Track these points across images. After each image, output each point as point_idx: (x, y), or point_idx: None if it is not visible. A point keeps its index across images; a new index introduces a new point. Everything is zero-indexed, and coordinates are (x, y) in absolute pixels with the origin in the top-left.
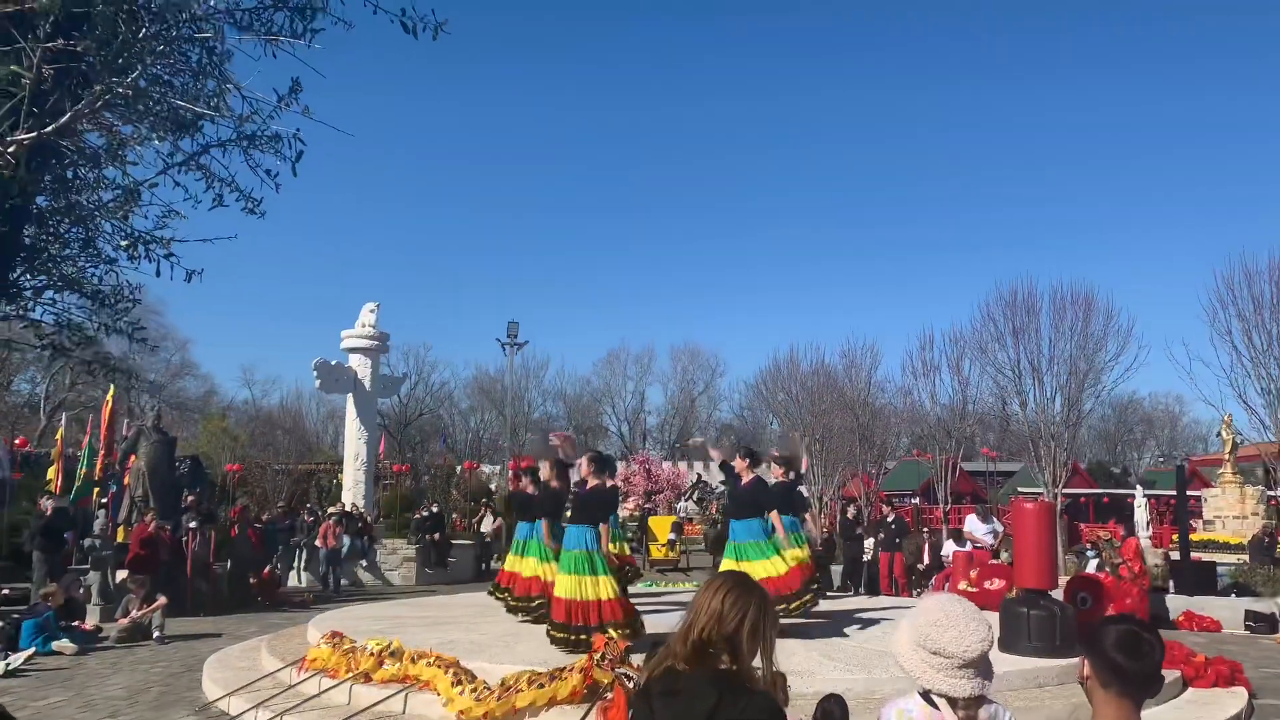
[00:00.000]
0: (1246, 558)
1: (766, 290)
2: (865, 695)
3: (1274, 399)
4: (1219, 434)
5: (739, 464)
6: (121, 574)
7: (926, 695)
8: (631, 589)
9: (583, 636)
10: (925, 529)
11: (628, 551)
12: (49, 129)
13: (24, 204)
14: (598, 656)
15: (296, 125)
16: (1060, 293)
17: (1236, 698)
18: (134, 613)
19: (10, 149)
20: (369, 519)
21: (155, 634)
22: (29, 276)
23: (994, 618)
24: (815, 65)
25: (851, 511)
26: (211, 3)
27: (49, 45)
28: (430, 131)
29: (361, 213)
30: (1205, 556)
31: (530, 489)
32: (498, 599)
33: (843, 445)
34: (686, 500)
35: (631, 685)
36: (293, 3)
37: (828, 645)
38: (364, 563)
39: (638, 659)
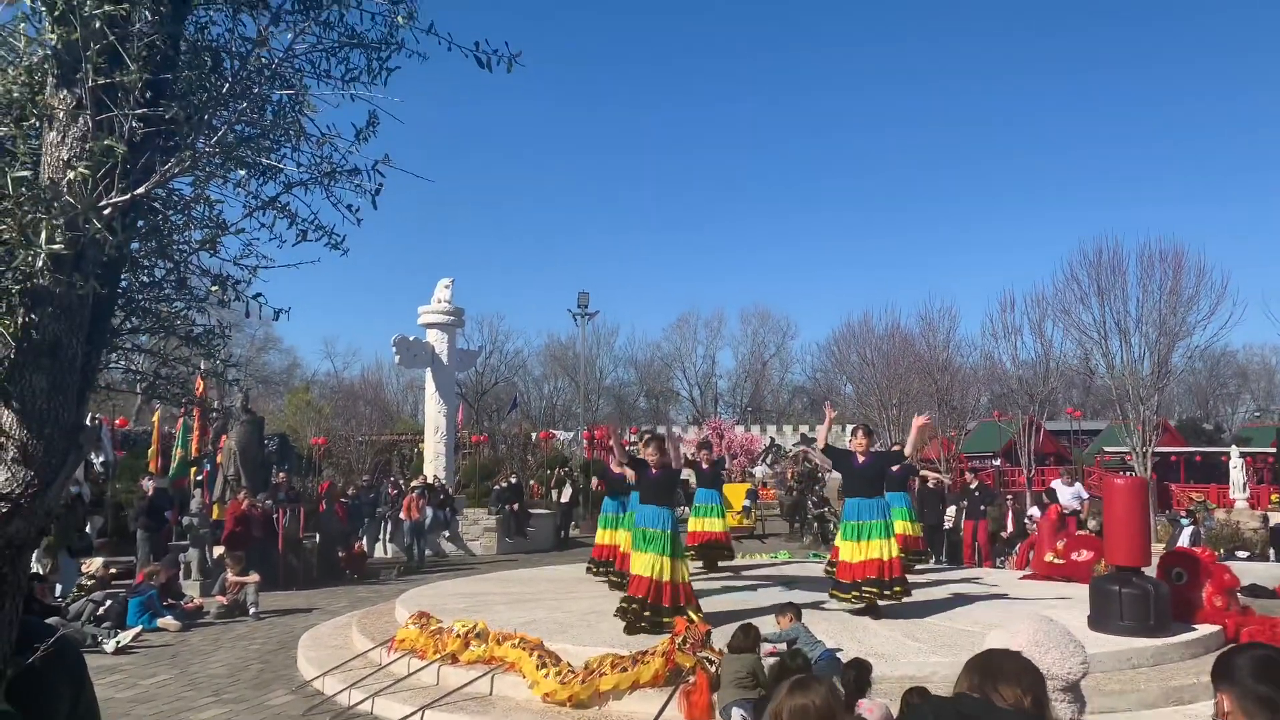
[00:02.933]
0: None
1: (838, 252)
2: (950, 679)
3: None
4: None
5: (859, 441)
6: (219, 550)
7: None
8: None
9: (662, 618)
10: (1009, 494)
11: (722, 527)
12: (141, 190)
13: (120, 259)
14: (679, 640)
15: (373, 159)
16: (1148, 251)
17: None
18: (229, 588)
19: (106, 211)
20: (450, 491)
21: (251, 610)
22: (128, 322)
23: (1079, 591)
24: (891, 15)
25: (933, 482)
26: (289, 46)
27: (139, 112)
28: (496, 108)
29: (434, 188)
30: None
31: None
32: (599, 575)
33: (921, 409)
34: (762, 464)
35: (714, 669)
36: (369, 40)
37: (911, 624)
38: (446, 534)
39: (719, 643)
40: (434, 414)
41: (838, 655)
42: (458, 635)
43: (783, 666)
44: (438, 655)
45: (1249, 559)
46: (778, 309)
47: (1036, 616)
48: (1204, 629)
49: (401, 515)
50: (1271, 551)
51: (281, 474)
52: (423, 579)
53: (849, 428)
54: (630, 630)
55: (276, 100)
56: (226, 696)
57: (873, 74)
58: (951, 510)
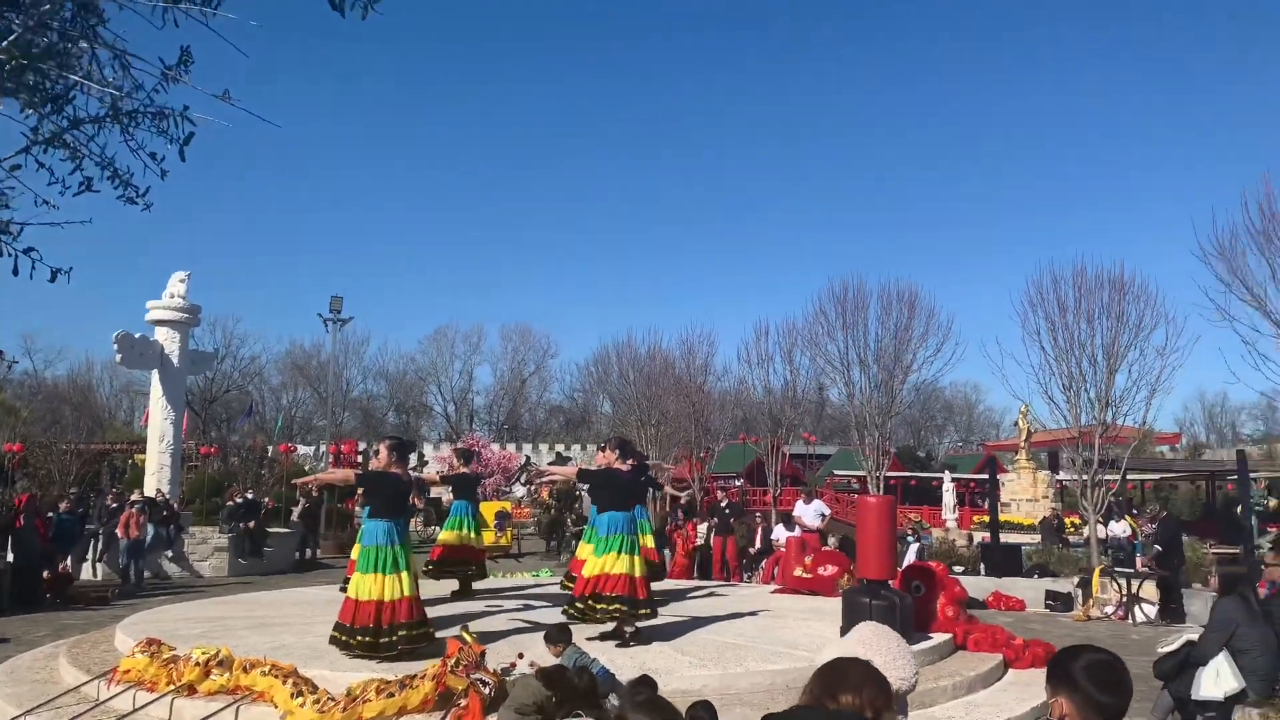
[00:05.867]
0: (1038, 538)
1: (600, 276)
2: (721, 691)
3: (1073, 394)
4: (1015, 423)
5: (607, 455)
6: None
7: None
8: (476, 584)
9: (380, 639)
10: (757, 513)
11: (477, 542)
12: None
13: None
14: (452, 662)
15: (188, 104)
16: (888, 291)
17: None
18: None
19: None
20: (175, 506)
21: None
22: None
23: (829, 604)
24: (653, 50)
25: (685, 499)
26: None
27: None
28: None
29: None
30: (1002, 538)
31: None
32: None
33: (677, 429)
34: (515, 483)
35: (487, 692)
36: None
37: (679, 640)
38: (169, 553)
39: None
40: (159, 421)
41: (610, 672)
42: (196, 663)
43: (570, 686)
44: (171, 686)
45: (963, 573)
46: (539, 326)
47: (879, 625)
48: (938, 637)
49: (118, 532)
50: (982, 566)
51: None
52: (142, 603)
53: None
54: (355, 657)
55: (70, 9)
56: None
57: (646, 102)
58: (703, 527)
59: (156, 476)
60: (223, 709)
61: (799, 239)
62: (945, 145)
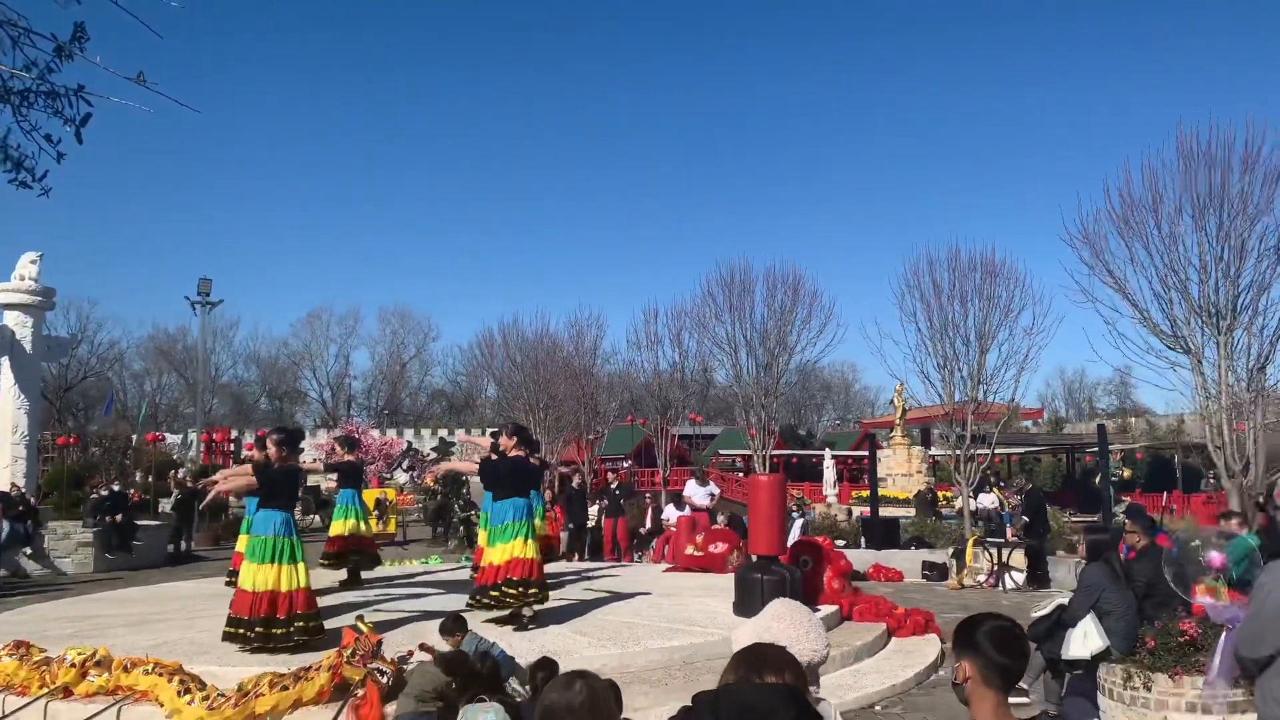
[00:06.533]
0: (914, 511)
1: (484, 256)
2: (620, 669)
3: (947, 372)
4: (891, 401)
5: (505, 441)
6: None
7: None
8: (365, 574)
9: (274, 630)
10: (646, 494)
11: (366, 531)
12: None
13: None
14: (347, 652)
15: (79, 82)
16: (773, 274)
17: (932, 645)
18: None
19: None
20: (32, 501)
21: None
22: None
23: (721, 580)
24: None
25: (577, 480)
26: None
27: None
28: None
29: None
30: (881, 512)
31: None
32: None
33: (566, 412)
34: (397, 469)
35: (385, 681)
36: None
37: (576, 620)
38: (28, 550)
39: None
40: (11, 411)
41: (510, 655)
42: (71, 665)
43: (472, 672)
44: (45, 690)
45: (845, 547)
46: (419, 309)
47: (793, 602)
48: (826, 609)
49: None
50: (862, 540)
51: None
52: (3, 603)
53: (489, 430)
54: (253, 650)
55: None
56: None
57: (530, 81)
58: (594, 509)
59: (10, 470)
60: (103, 710)
61: (687, 224)
62: (829, 131)
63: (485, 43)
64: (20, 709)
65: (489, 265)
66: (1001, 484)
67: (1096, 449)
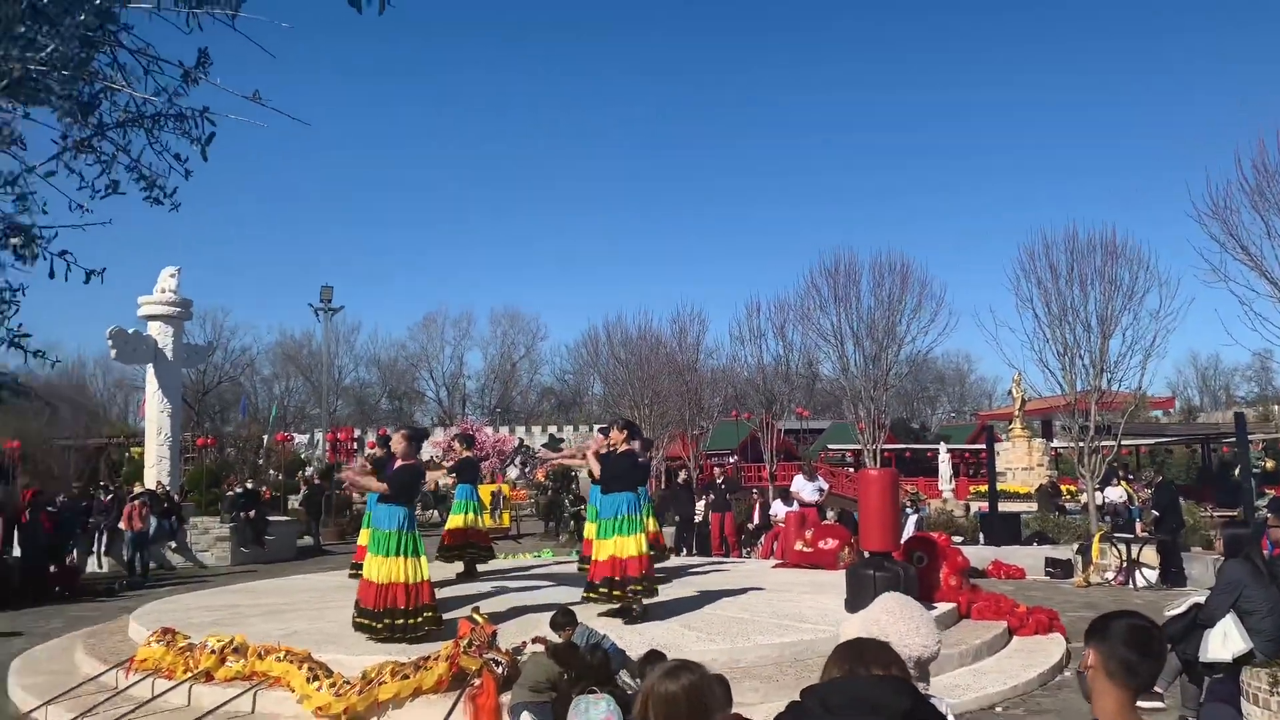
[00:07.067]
0: (1035, 506)
1: (587, 257)
2: (730, 665)
3: (1068, 360)
4: (1009, 392)
5: (615, 435)
6: None
7: None
8: (480, 567)
9: (398, 621)
10: (754, 489)
11: (480, 525)
12: None
13: None
14: (464, 643)
15: (209, 105)
16: (879, 263)
17: (1056, 644)
18: None
19: None
20: (176, 498)
21: None
22: None
23: (832, 577)
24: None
25: (683, 476)
26: None
27: None
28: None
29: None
30: (1000, 507)
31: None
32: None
33: (670, 408)
34: (510, 465)
35: (500, 671)
36: None
37: (685, 615)
38: (173, 544)
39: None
40: (156, 415)
41: (620, 648)
42: (212, 651)
43: (583, 663)
44: (189, 674)
45: (963, 543)
46: (528, 309)
47: (903, 596)
48: (942, 606)
49: (121, 525)
50: (981, 536)
51: None
52: (150, 594)
53: (596, 427)
54: (381, 640)
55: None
56: None
57: (631, 84)
58: (700, 504)
59: (156, 469)
60: (240, 694)
61: (789, 215)
62: (934, 113)
63: (591, 45)
64: (167, 691)
65: (592, 265)
66: (1130, 477)
67: (1234, 439)
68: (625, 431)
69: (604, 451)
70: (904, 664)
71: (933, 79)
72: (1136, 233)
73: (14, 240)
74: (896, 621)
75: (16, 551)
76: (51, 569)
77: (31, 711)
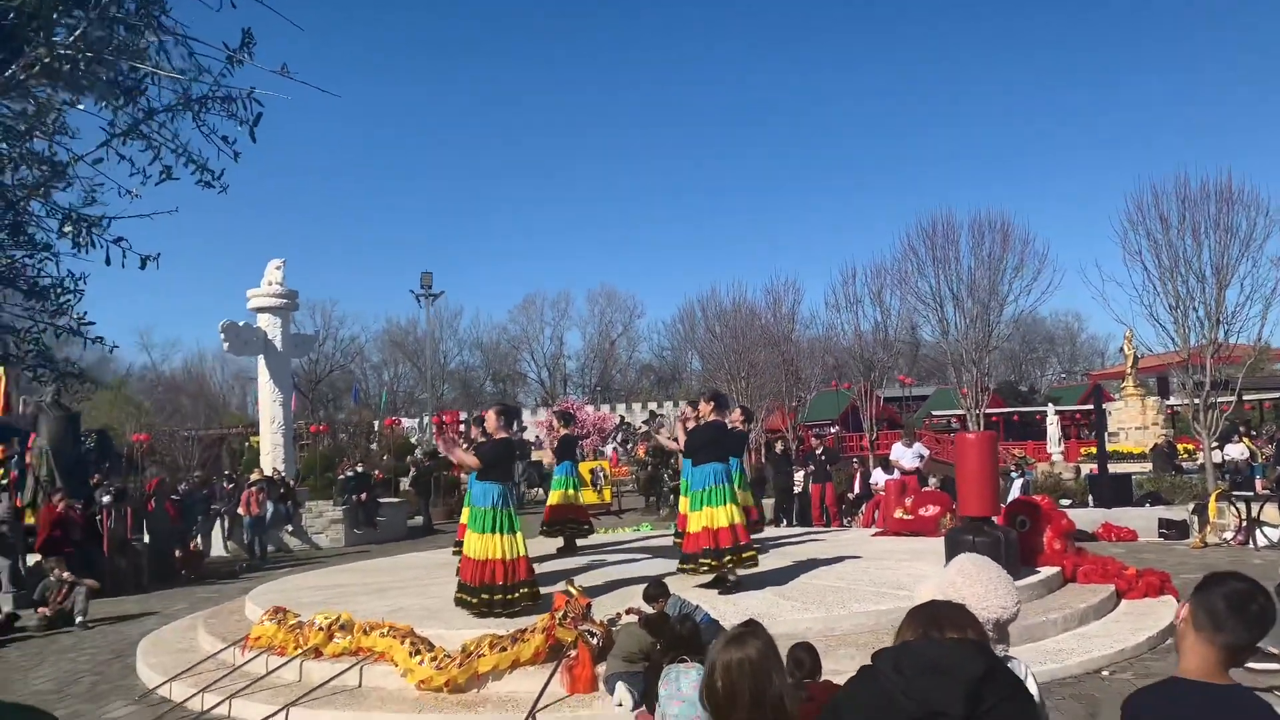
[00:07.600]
0: (1150, 467)
1: (680, 232)
2: (825, 633)
3: (1181, 314)
4: (1121, 349)
5: (704, 407)
6: (33, 559)
7: None
8: (581, 541)
9: (495, 596)
10: (854, 458)
11: (580, 501)
12: None
13: None
14: (559, 615)
15: (251, 84)
16: (978, 221)
17: (1168, 607)
18: (53, 597)
19: None
20: (291, 483)
21: (78, 619)
22: None
23: (931, 544)
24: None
25: (780, 446)
26: None
27: None
28: (329, 85)
29: (257, 164)
30: (1111, 467)
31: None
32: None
33: (768, 380)
34: (613, 442)
35: (595, 642)
36: None
37: (781, 585)
38: (289, 528)
39: (599, 615)
40: (269, 404)
41: (714, 619)
42: (320, 628)
43: (673, 634)
44: (299, 650)
45: (1071, 506)
46: (624, 288)
47: (980, 557)
48: (1046, 571)
49: (240, 510)
50: (1090, 498)
51: (98, 474)
52: (268, 575)
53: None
54: (479, 615)
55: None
56: (57, 713)
57: (718, 65)
58: (800, 475)
59: (271, 456)
60: (347, 669)
61: (881, 177)
62: (1031, 70)
63: (677, 29)
64: (279, 667)
65: (685, 240)
66: (1252, 433)
67: None
68: (712, 403)
69: (692, 425)
70: (981, 627)
71: (1025, 33)
72: (1251, 172)
73: (66, 229)
74: (972, 584)
75: (146, 538)
76: (177, 554)
77: (156, 688)
